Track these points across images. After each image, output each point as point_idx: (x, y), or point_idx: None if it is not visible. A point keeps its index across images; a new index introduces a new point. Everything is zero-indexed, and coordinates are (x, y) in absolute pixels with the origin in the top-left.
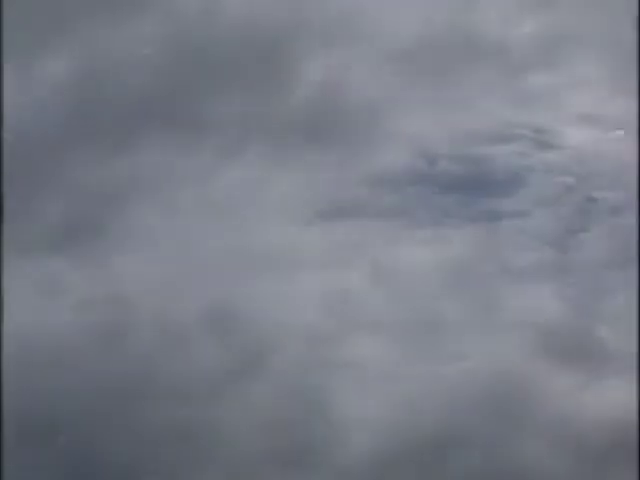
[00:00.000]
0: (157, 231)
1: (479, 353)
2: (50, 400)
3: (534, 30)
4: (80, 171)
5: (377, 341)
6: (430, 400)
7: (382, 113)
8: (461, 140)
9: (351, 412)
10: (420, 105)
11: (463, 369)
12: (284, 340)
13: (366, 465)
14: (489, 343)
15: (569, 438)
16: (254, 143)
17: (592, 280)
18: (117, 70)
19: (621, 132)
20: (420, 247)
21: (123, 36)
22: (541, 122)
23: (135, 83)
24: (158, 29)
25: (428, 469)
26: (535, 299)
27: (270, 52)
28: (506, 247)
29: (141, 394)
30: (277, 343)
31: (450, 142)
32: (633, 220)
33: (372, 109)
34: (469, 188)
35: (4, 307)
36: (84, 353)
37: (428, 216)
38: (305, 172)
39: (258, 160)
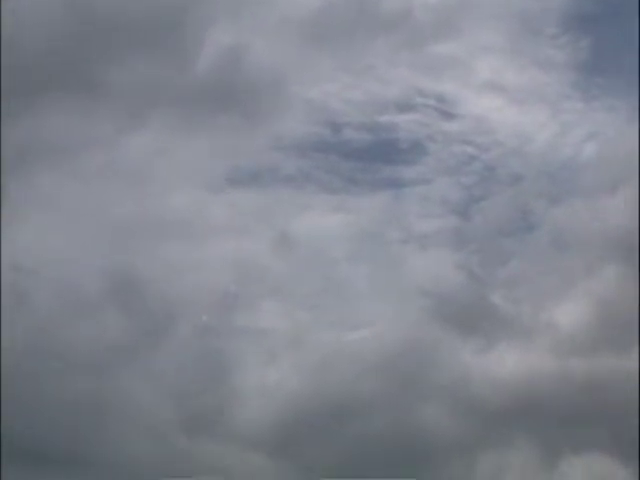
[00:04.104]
0: (59, 197)
1: (382, 320)
2: None
3: None
4: None
5: (283, 308)
6: (334, 366)
7: (287, 80)
8: (365, 108)
9: (256, 379)
10: (325, 72)
11: (366, 336)
12: (190, 307)
13: (270, 431)
14: (392, 310)
15: (466, 400)
16: (159, 109)
17: (491, 247)
18: (19, 33)
19: (522, 102)
20: (326, 214)
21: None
22: (444, 91)
23: (38, 47)
24: None
25: (330, 434)
26: (437, 266)
27: (174, 18)
28: (409, 214)
29: (43, 365)
30: (183, 310)
31: (354, 110)
32: (532, 189)
33: (277, 76)
34: (373, 156)
35: None
36: None
37: (333, 183)
38: (211, 139)
39: (164, 126)
